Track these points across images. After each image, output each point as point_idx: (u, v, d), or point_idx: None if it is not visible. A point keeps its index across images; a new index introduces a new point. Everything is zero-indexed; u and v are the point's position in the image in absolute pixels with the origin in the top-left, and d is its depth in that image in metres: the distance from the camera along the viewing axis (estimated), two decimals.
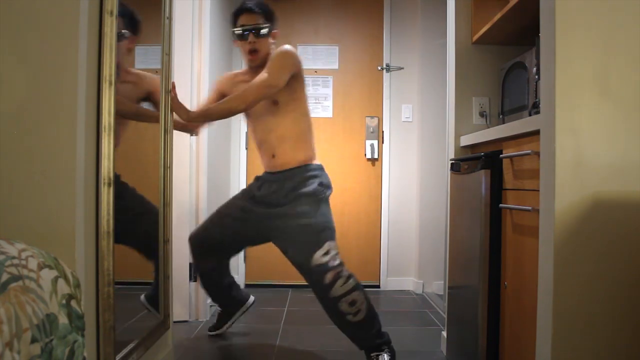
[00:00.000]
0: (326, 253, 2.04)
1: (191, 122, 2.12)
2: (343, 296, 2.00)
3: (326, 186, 2.20)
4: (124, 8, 1.47)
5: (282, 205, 2.16)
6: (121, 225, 1.40)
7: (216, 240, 2.36)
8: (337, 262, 2.04)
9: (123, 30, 1.49)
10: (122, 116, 1.51)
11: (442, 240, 3.43)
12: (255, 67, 2.23)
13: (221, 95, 2.29)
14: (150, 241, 1.84)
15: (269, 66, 2.09)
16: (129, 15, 1.55)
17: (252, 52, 2.20)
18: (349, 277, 2.03)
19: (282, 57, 2.10)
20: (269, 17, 2.22)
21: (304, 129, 2.21)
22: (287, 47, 2.14)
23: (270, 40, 2.23)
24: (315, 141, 2.27)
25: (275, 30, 2.26)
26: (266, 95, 2.08)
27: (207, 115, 2.14)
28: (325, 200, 2.18)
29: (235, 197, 2.37)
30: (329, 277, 2.01)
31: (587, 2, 1.26)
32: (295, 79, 2.14)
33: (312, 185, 2.14)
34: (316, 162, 2.24)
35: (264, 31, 2.19)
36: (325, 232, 2.08)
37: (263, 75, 2.06)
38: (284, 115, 2.17)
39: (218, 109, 2.10)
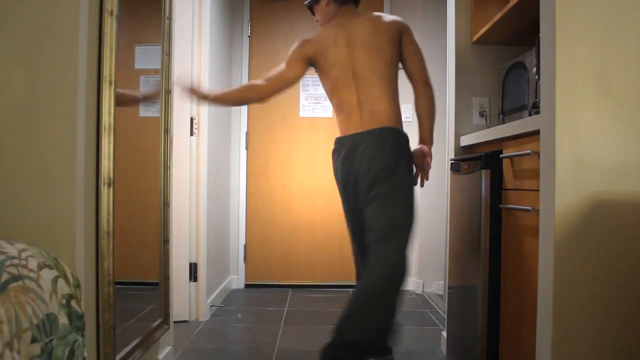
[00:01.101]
0: None
1: (212, 103, 2.22)
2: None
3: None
4: None
5: None
6: None
7: None
8: None
9: None
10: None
11: (442, 240, 3.42)
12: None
13: (307, 61, 2.13)
14: None
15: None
16: None
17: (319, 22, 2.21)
18: None
19: (290, 51, 2.10)
20: None
21: (335, 106, 2.13)
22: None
23: (324, 4, 2.14)
24: (342, 117, 2.10)
25: None
26: (281, 87, 2.08)
27: (226, 100, 2.19)
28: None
29: None
30: None
31: (587, 2, 1.26)
32: (315, 64, 2.11)
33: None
34: (338, 135, 2.10)
35: (312, 3, 2.19)
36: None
37: (281, 67, 2.09)
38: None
39: (236, 97, 2.17)
